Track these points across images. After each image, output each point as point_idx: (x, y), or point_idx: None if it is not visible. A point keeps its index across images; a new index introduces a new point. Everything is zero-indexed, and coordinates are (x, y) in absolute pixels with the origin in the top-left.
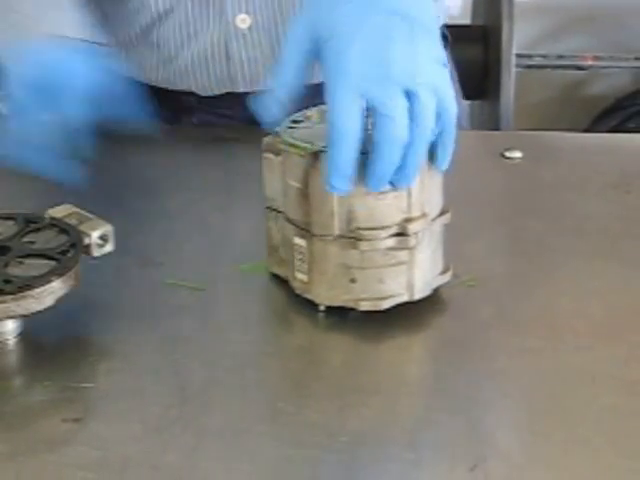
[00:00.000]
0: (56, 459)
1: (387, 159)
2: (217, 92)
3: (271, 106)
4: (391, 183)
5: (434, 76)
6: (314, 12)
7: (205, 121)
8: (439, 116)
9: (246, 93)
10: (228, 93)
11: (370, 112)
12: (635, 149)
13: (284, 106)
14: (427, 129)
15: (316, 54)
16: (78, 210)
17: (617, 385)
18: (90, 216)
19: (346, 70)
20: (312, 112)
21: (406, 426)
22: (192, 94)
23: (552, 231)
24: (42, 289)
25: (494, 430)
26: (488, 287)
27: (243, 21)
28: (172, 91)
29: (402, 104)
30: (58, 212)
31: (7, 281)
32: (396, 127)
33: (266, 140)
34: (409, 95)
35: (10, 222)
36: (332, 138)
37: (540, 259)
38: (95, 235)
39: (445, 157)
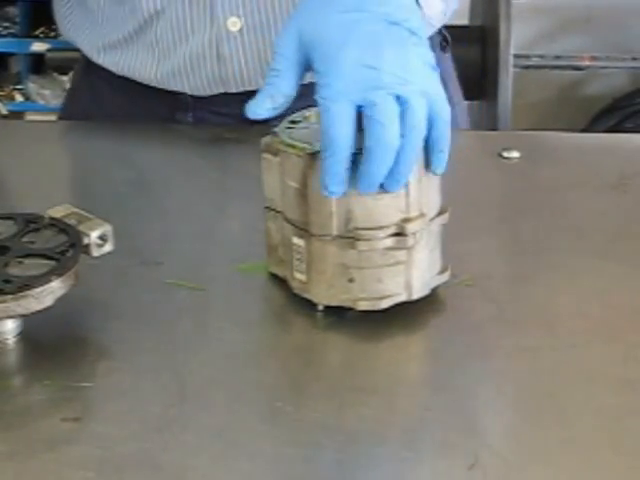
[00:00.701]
0: (56, 458)
1: (378, 163)
2: (210, 92)
3: (265, 105)
4: (382, 186)
5: (424, 81)
6: (302, 20)
7: (201, 118)
8: (432, 121)
9: (240, 93)
10: (222, 93)
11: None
12: (633, 149)
13: (277, 108)
14: (418, 134)
15: (306, 61)
16: (77, 210)
17: (615, 384)
18: (89, 216)
19: (337, 76)
20: (310, 112)
21: (404, 425)
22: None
23: (549, 231)
24: (42, 289)
25: (492, 429)
26: (486, 286)
27: (234, 24)
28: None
29: (393, 109)
30: (57, 212)
31: (7, 281)
32: (387, 132)
33: (265, 140)
34: (400, 100)
35: (10, 222)
36: (325, 144)
37: (538, 258)
38: (94, 235)
39: (440, 162)
